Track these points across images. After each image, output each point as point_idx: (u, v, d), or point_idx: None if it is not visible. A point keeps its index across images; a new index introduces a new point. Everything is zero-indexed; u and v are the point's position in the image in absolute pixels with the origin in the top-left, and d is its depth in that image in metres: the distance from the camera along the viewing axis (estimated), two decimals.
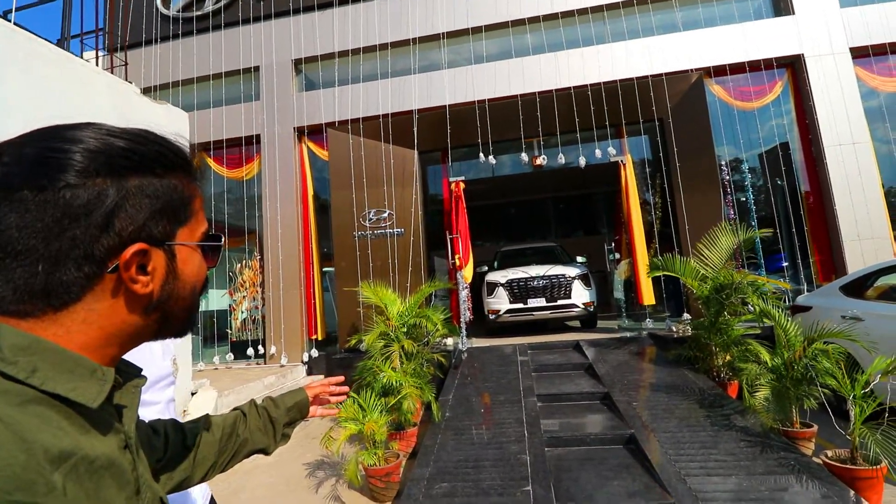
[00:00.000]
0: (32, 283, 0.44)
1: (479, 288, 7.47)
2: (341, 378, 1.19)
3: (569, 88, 6.76)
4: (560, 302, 6.91)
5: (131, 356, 0.56)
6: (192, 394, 5.20)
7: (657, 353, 5.91)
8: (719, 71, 6.75)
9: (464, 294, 6.19)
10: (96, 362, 0.48)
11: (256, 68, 8.07)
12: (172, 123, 5.06)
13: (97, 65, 9.82)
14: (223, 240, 0.60)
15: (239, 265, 8.20)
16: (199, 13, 8.15)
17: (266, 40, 7.96)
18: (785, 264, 6.76)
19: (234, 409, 0.98)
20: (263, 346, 7.62)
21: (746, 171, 6.80)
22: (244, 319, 8.05)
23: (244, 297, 8.11)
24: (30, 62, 3.47)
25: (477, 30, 7.20)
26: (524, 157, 6.72)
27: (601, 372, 5.19)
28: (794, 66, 6.87)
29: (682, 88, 6.59)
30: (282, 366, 7.28)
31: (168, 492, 0.80)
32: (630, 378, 5.11)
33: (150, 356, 1.23)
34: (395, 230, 6.95)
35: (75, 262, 0.45)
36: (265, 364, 7.50)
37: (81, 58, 5.23)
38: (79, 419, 0.45)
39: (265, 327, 7.68)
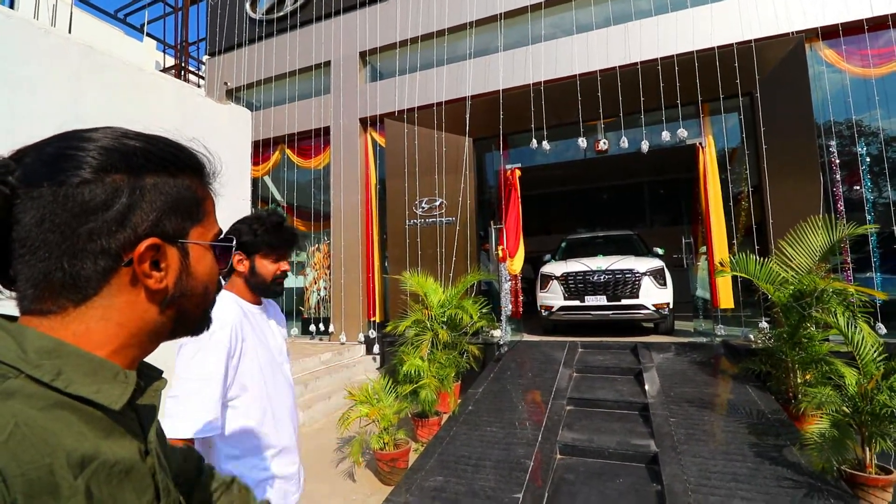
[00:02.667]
0: (51, 278, 0.46)
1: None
2: None
3: (636, 64, 6.05)
4: (625, 301, 6.06)
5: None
6: None
7: (725, 364, 5.20)
8: (829, 33, 5.51)
9: (506, 286, 6.02)
10: (118, 364, 0.49)
11: (328, 63, 8.52)
12: (234, 121, 5.57)
13: (198, 69, 11.18)
14: (234, 242, 0.63)
15: (312, 248, 8.90)
16: (279, 14, 8.82)
17: (336, 35, 8.36)
18: None
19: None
20: (326, 325, 8.21)
21: (862, 154, 5.51)
22: (317, 300, 8.75)
23: (315, 278, 8.80)
24: (104, 76, 4.03)
25: (536, 7, 6.77)
26: (582, 142, 6.20)
27: (649, 380, 4.72)
28: None
29: (776, 55, 5.53)
30: (342, 343, 7.80)
31: None
32: (679, 390, 4.58)
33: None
34: (445, 219, 6.96)
35: (92, 255, 0.47)
36: (328, 341, 8.10)
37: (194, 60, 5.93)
38: (100, 423, 0.46)
39: (331, 307, 8.27)
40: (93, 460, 0.43)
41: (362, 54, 8.24)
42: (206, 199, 0.57)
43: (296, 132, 8.58)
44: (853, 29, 5.43)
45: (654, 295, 5.93)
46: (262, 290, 1.47)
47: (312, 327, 8.33)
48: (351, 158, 8.17)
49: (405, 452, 3.81)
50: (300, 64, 8.64)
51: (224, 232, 0.62)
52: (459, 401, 4.36)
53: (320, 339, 8.21)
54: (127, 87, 4.18)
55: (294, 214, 8.95)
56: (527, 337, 6.91)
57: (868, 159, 5.51)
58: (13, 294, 0.48)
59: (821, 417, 3.07)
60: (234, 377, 1.33)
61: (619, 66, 6.17)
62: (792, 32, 5.54)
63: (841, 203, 5.47)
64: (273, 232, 1.42)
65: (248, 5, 9.25)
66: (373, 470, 4.06)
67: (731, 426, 3.73)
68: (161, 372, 0.58)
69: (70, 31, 6.31)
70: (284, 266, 1.47)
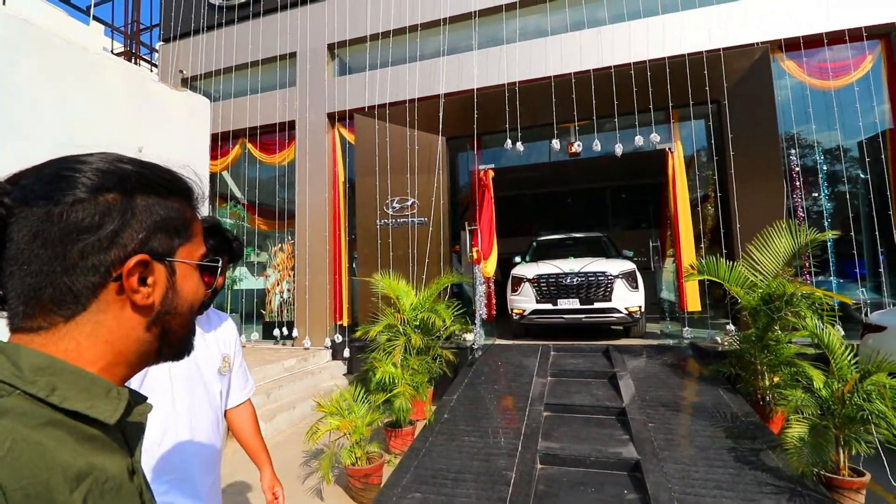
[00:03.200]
0: (42, 293, 0.47)
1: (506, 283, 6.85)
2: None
3: (609, 68, 6.08)
4: (598, 305, 5.95)
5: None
6: None
7: (694, 366, 5.28)
8: (791, 45, 5.74)
9: (480, 290, 5.88)
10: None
11: (293, 54, 8.13)
12: (192, 110, 5.15)
13: (151, 57, 10.45)
14: (221, 262, 0.65)
15: (274, 248, 8.46)
16: (241, 1, 8.34)
17: (302, 25, 7.98)
18: (863, 272, 5.74)
19: None
20: (290, 328, 7.81)
21: (821, 162, 5.76)
22: (280, 302, 8.31)
23: (278, 280, 8.36)
24: (42, 52, 3.60)
25: (511, 6, 6.70)
26: (555, 144, 6.16)
27: (624, 384, 4.71)
28: (889, 38, 5.70)
29: (743, 65, 5.70)
30: (306, 349, 7.43)
31: None
32: (654, 393, 4.59)
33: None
34: (417, 219, 6.75)
35: (82, 271, 0.48)
36: (292, 346, 7.70)
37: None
38: (91, 441, 0.47)
39: (294, 310, 7.87)
40: (87, 476, 0.44)
41: (330, 46, 7.90)
42: (193, 220, 0.59)
43: (258, 126, 8.12)
44: (813, 42, 5.67)
45: (627, 298, 5.88)
46: None
47: (276, 332, 7.90)
48: (317, 154, 7.81)
49: (379, 467, 3.58)
50: (263, 54, 8.19)
51: None
52: (434, 409, 4.17)
53: (283, 345, 7.79)
54: (69, 66, 3.74)
55: (255, 213, 8.48)
56: (499, 340, 6.80)
57: (825, 168, 5.77)
58: (3, 313, 0.50)
59: (797, 421, 3.09)
60: (141, 379, 1.19)
61: (593, 70, 6.18)
62: (757, 43, 5.72)
63: (802, 210, 5.70)
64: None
65: None
66: (343, 486, 3.80)
67: (708, 430, 3.73)
68: (146, 398, 0.59)
69: (3, 3, 5.66)
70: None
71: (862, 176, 5.71)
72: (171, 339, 0.57)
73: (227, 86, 8.43)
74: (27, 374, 0.45)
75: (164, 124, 4.94)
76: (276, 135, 8.18)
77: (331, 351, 7.44)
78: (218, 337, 1.47)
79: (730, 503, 2.78)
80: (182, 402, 1.25)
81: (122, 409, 0.50)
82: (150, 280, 0.52)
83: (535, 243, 7.82)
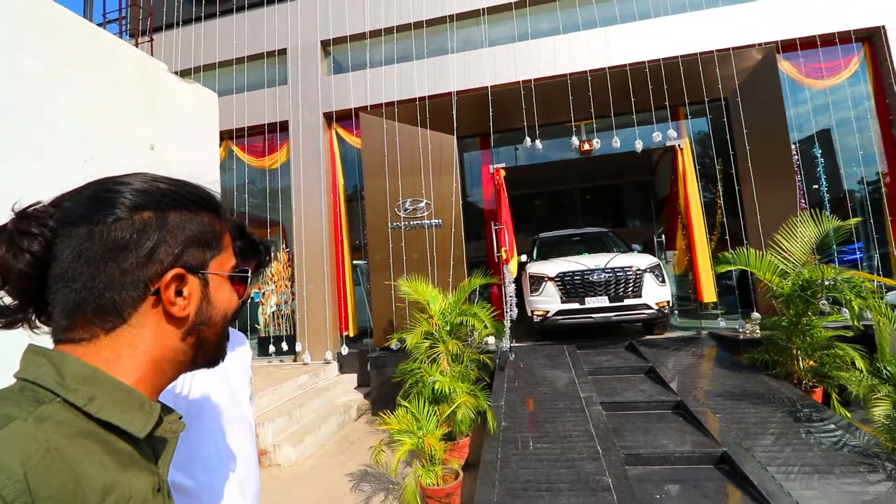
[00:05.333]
0: (85, 307, 0.51)
1: (519, 282, 6.52)
2: None
3: (624, 66, 6.18)
4: (628, 301, 5.55)
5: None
6: None
7: (724, 355, 5.39)
8: (788, 46, 6.09)
9: (511, 290, 5.71)
10: (144, 394, 0.53)
11: (283, 51, 7.65)
12: (200, 104, 4.68)
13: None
14: (249, 273, 0.66)
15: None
16: None
17: (293, 21, 7.54)
18: (860, 256, 6.15)
19: None
20: (290, 343, 7.29)
21: (819, 155, 6.13)
22: (272, 314, 7.74)
23: (272, 291, 7.79)
24: (49, 30, 3.10)
25: (521, 4, 6.66)
26: (574, 141, 6.14)
27: (667, 377, 4.71)
28: (872, 40, 6.20)
29: (750, 64, 5.96)
30: (305, 364, 6.93)
31: None
32: (702, 384, 4.63)
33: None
34: (432, 221, 6.50)
35: (123, 285, 0.51)
36: (294, 362, 7.18)
37: None
38: (119, 455, 0.49)
39: (294, 323, 7.35)
40: (113, 490, 0.46)
41: (324, 43, 7.51)
42: (223, 233, 0.62)
43: (245, 126, 7.56)
44: (808, 44, 6.05)
45: (656, 293, 5.59)
46: None
47: (272, 347, 7.33)
48: (313, 156, 7.36)
49: (458, 486, 3.32)
50: (249, 50, 7.65)
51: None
52: (491, 417, 3.95)
53: (281, 360, 7.24)
54: (79, 48, 3.24)
55: (246, 220, 7.87)
56: (515, 343, 6.64)
57: (822, 161, 6.14)
58: (48, 328, 0.53)
59: (879, 399, 3.17)
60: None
61: (609, 68, 6.24)
62: (761, 44, 6.01)
63: (804, 201, 6.02)
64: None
65: None
66: None
67: (776, 416, 3.78)
68: (180, 416, 0.60)
69: None
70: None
71: (854, 168, 6.13)
72: (206, 348, 0.59)
73: (209, 83, 7.78)
74: (69, 383, 0.48)
75: (175, 119, 4.47)
76: (264, 136, 7.65)
77: (338, 365, 7.00)
78: (242, 357, 1.30)
79: (836, 484, 2.79)
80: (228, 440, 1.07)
81: (153, 424, 0.52)
82: (185, 292, 0.55)
83: (538, 240, 7.48)
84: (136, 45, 6.70)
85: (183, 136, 4.41)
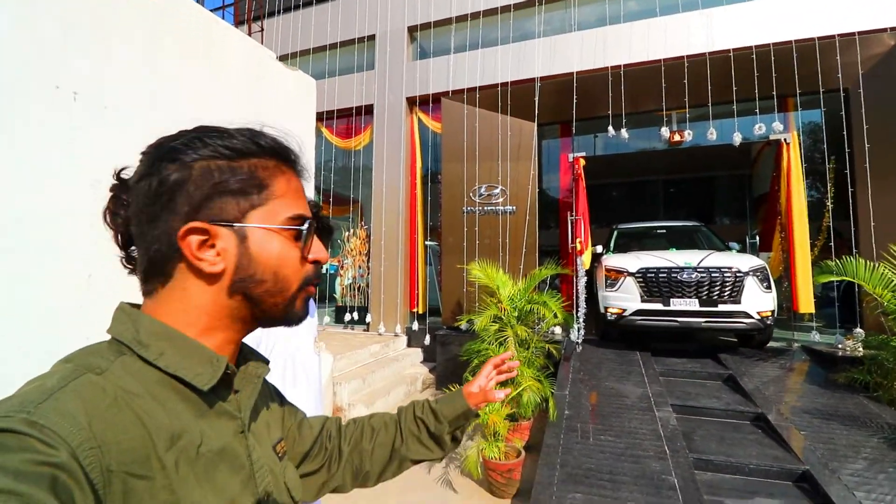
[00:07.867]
0: (143, 262, 0.53)
1: (591, 275, 6.09)
2: (510, 354, 1.05)
3: (727, 51, 5.71)
4: (723, 307, 4.83)
5: None
6: None
7: (817, 371, 4.97)
8: None
9: (583, 282, 5.64)
10: (210, 348, 0.53)
11: (371, 37, 7.98)
12: (300, 90, 5.06)
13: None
14: (308, 224, 0.57)
15: (347, 233, 8.40)
16: None
17: (383, 7, 7.81)
18: None
19: (391, 413, 0.90)
20: (361, 314, 7.78)
21: None
22: (349, 286, 8.28)
23: (350, 264, 8.32)
24: (180, 30, 3.50)
25: None
26: (664, 131, 5.82)
27: (749, 387, 4.44)
28: None
29: (879, 51, 5.24)
30: (380, 334, 7.37)
31: (317, 493, 0.78)
32: (788, 398, 4.32)
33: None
34: (506, 208, 6.55)
35: (157, 240, 0.52)
36: (365, 331, 7.67)
37: None
38: (195, 403, 0.51)
39: (367, 296, 7.82)
40: (181, 437, 0.47)
41: (411, 29, 7.71)
42: (271, 182, 0.55)
43: (335, 109, 8.03)
44: None
45: (759, 301, 4.80)
46: None
47: (347, 316, 7.87)
48: (394, 139, 7.68)
49: (520, 463, 3.45)
50: (342, 37, 8.07)
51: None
52: (553, 404, 4.00)
53: (352, 329, 7.76)
54: (200, 40, 3.65)
55: (330, 197, 8.43)
56: (584, 336, 6.53)
57: None
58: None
59: None
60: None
61: (709, 53, 5.82)
62: (888, 28, 5.26)
63: None
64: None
65: None
66: (471, 477, 3.69)
67: (872, 441, 3.47)
68: (267, 361, 0.62)
69: None
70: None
71: None
72: (263, 308, 0.56)
73: (304, 68, 8.34)
74: (143, 338, 0.50)
75: (276, 104, 4.85)
76: (351, 119, 8.07)
77: (407, 338, 7.37)
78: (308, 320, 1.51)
79: None
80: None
81: (218, 377, 0.52)
82: (217, 247, 0.52)
83: (616, 231, 6.66)
84: (249, 33, 7.32)
85: (283, 121, 4.83)
